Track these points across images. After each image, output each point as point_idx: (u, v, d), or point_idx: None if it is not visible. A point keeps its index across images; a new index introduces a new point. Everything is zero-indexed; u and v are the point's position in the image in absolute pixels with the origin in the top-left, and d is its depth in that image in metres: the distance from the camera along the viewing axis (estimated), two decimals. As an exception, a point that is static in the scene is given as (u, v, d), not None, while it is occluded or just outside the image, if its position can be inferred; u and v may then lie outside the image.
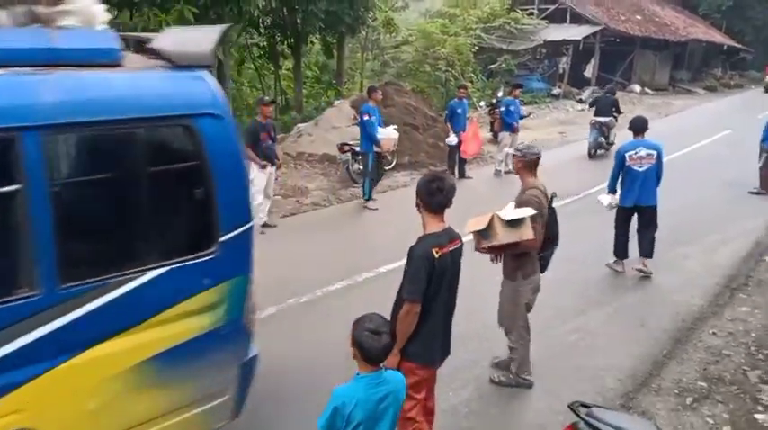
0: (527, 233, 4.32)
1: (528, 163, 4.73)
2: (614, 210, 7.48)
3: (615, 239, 7.48)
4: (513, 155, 4.83)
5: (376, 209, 9.98)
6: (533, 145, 4.87)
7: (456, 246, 3.54)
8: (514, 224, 4.26)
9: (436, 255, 3.39)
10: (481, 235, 4.33)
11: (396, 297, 3.55)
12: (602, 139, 14.52)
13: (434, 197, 3.47)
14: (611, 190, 7.41)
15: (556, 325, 5.98)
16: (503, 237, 4.06)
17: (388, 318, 3.18)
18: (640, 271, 7.37)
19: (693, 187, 11.18)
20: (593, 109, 15.01)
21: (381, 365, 2.88)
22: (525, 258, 4.63)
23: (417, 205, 3.54)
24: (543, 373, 5.03)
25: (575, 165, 13.82)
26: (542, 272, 4.84)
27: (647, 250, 7.40)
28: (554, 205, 4.84)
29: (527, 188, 4.65)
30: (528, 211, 4.33)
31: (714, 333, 5.87)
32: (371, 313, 2.94)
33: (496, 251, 4.47)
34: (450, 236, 3.54)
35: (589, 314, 6.25)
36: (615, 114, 14.51)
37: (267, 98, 9.08)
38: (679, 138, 15.98)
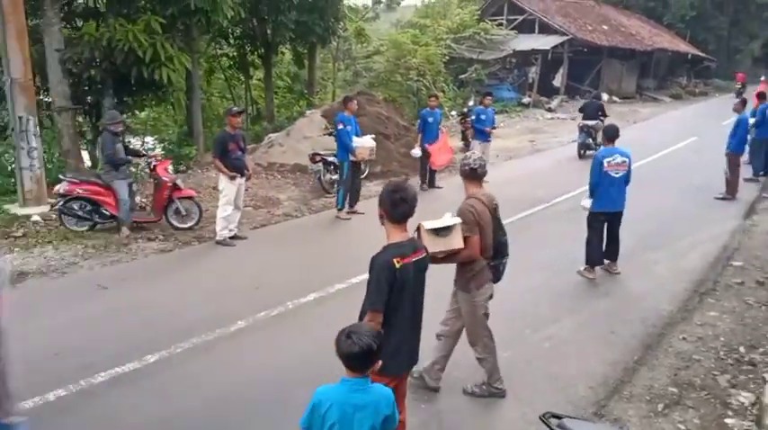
0: (455, 242, 4.27)
1: (471, 173, 4.63)
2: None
3: (589, 246, 7.52)
4: (461, 166, 4.73)
5: (348, 218, 9.93)
6: (482, 158, 4.80)
7: (420, 257, 3.51)
8: (440, 233, 4.21)
9: (398, 265, 3.35)
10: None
11: (361, 308, 3.49)
12: (590, 140, 15.31)
13: (398, 207, 3.44)
14: (593, 195, 7.44)
15: (528, 333, 5.97)
16: (430, 246, 4.01)
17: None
18: (609, 271, 7.56)
19: (661, 194, 11.35)
20: (582, 113, 16.21)
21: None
22: (476, 268, 4.58)
23: (380, 216, 3.50)
24: (517, 382, 4.99)
25: (545, 172, 13.94)
26: (495, 281, 4.78)
27: (616, 253, 7.59)
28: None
29: (467, 198, 4.62)
30: (452, 220, 4.30)
31: (684, 338, 5.91)
32: (357, 323, 2.94)
33: (436, 261, 4.40)
34: (414, 246, 3.51)
35: (562, 322, 6.24)
36: (602, 118, 15.52)
37: (236, 108, 8.95)
38: (647, 145, 16.26)
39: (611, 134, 7.50)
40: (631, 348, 5.71)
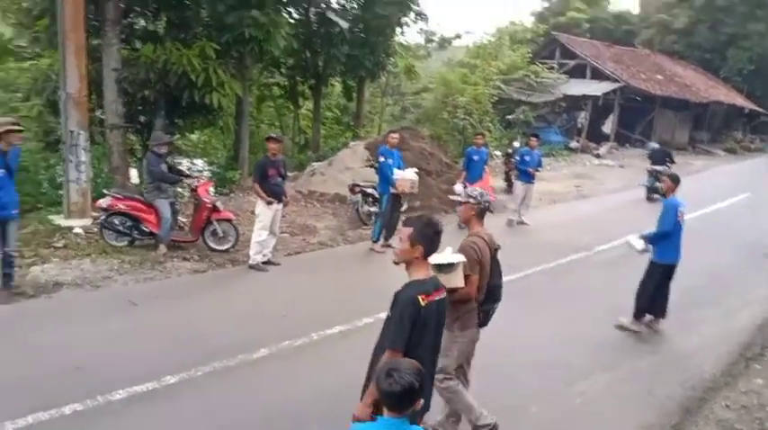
0: (456, 280, 4.06)
1: (481, 210, 4.50)
2: (637, 260, 7.16)
3: (642, 296, 7.07)
4: (464, 201, 4.54)
5: (383, 252, 9.80)
6: (485, 192, 4.63)
7: (441, 296, 3.37)
8: (444, 269, 3.99)
9: (422, 303, 3.23)
10: None
11: (376, 343, 3.35)
12: (658, 185, 15.09)
13: (433, 244, 3.35)
14: (655, 243, 7.00)
15: (561, 386, 5.68)
16: None
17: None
18: (651, 328, 7.17)
19: (713, 248, 10.85)
20: (651, 159, 17.54)
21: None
22: (464, 310, 4.33)
23: (404, 252, 3.36)
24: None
25: (590, 218, 13.59)
26: (482, 326, 4.52)
27: (664, 310, 7.18)
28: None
29: (470, 235, 4.42)
30: (457, 257, 4.10)
31: (727, 405, 5.51)
32: (398, 359, 2.85)
33: None
34: (435, 284, 3.38)
35: (596, 376, 5.93)
36: (669, 164, 16.54)
37: (273, 135, 9.07)
38: (699, 198, 15.69)
39: (678, 181, 7.14)
40: (668, 411, 5.35)
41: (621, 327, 7.13)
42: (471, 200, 4.47)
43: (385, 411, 2.68)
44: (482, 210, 4.50)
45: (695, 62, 39.33)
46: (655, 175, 15.84)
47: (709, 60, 39.85)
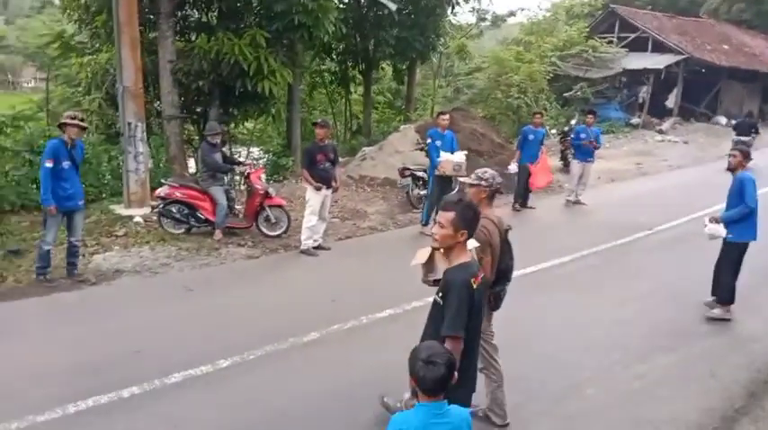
0: None
1: (492, 193, 4.37)
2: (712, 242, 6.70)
3: (727, 282, 6.67)
4: (476, 183, 4.39)
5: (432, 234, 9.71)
6: (495, 173, 4.47)
7: (483, 280, 3.29)
8: None
9: (474, 285, 3.17)
10: (426, 268, 4.00)
11: (426, 332, 3.30)
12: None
13: (474, 226, 3.28)
14: (729, 218, 6.53)
15: (619, 369, 5.50)
16: (441, 266, 3.70)
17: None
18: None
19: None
20: (735, 130, 17.93)
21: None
22: None
23: (447, 236, 3.28)
24: (599, 425, 4.59)
25: (651, 197, 13.09)
26: (495, 309, 4.42)
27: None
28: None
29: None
30: (471, 244, 3.97)
31: (797, 389, 5.23)
32: (429, 341, 2.83)
33: (437, 283, 4.05)
34: (477, 266, 3.31)
35: (656, 360, 5.70)
36: (754, 134, 17.20)
37: (320, 120, 9.09)
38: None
39: (749, 157, 6.73)
40: (732, 395, 5.10)
41: (713, 319, 6.67)
42: (483, 182, 4.37)
43: (422, 396, 2.65)
44: (493, 192, 4.39)
45: (765, 31, 37.11)
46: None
47: (782, 28, 37.50)
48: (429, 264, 3.86)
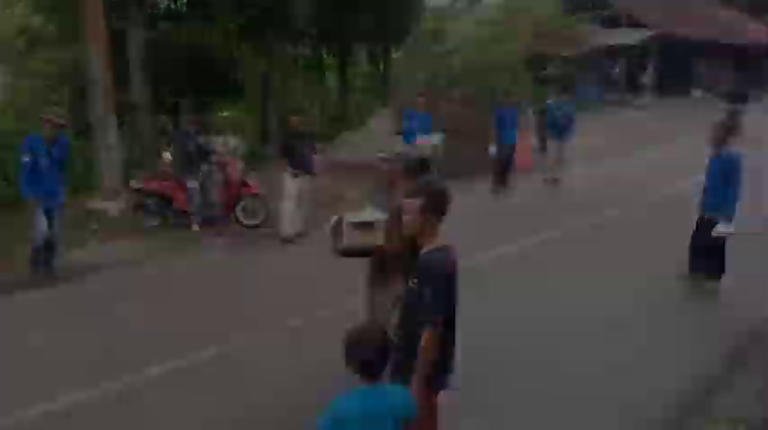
0: (376, 239, 3.94)
1: (408, 169, 4.16)
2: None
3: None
4: (387, 158, 4.39)
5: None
6: (410, 150, 4.47)
7: (455, 259, 3.26)
8: (361, 227, 3.89)
9: (450, 269, 3.15)
10: (334, 238, 4.01)
11: (401, 315, 3.28)
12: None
13: (443, 208, 3.21)
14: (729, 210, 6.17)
15: (593, 341, 5.54)
16: (347, 239, 3.70)
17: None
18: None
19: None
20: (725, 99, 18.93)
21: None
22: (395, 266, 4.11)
23: (420, 222, 3.18)
24: (575, 399, 4.62)
25: (621, 175, 13.19)
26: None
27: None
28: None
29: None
30: (377, 215, 3.95)
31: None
32: (363, 323, 2.84)
33: (353, 255, 4.07)
34: (452, 250, 3.26)
35: (631, 330, 5.77)
36: (741, 105, 17.39)
37: (292, 109, 9.06)
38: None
39: (732, 132, 6.30)
40: (711, 362, 5.18)
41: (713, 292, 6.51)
42: (396, 159, 4.35)
43: (360, 379, 2.59)
44: (409, 168, 4.34)
45: (740, 4, 37.33)
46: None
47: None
48: (335, 232, 3.88)
